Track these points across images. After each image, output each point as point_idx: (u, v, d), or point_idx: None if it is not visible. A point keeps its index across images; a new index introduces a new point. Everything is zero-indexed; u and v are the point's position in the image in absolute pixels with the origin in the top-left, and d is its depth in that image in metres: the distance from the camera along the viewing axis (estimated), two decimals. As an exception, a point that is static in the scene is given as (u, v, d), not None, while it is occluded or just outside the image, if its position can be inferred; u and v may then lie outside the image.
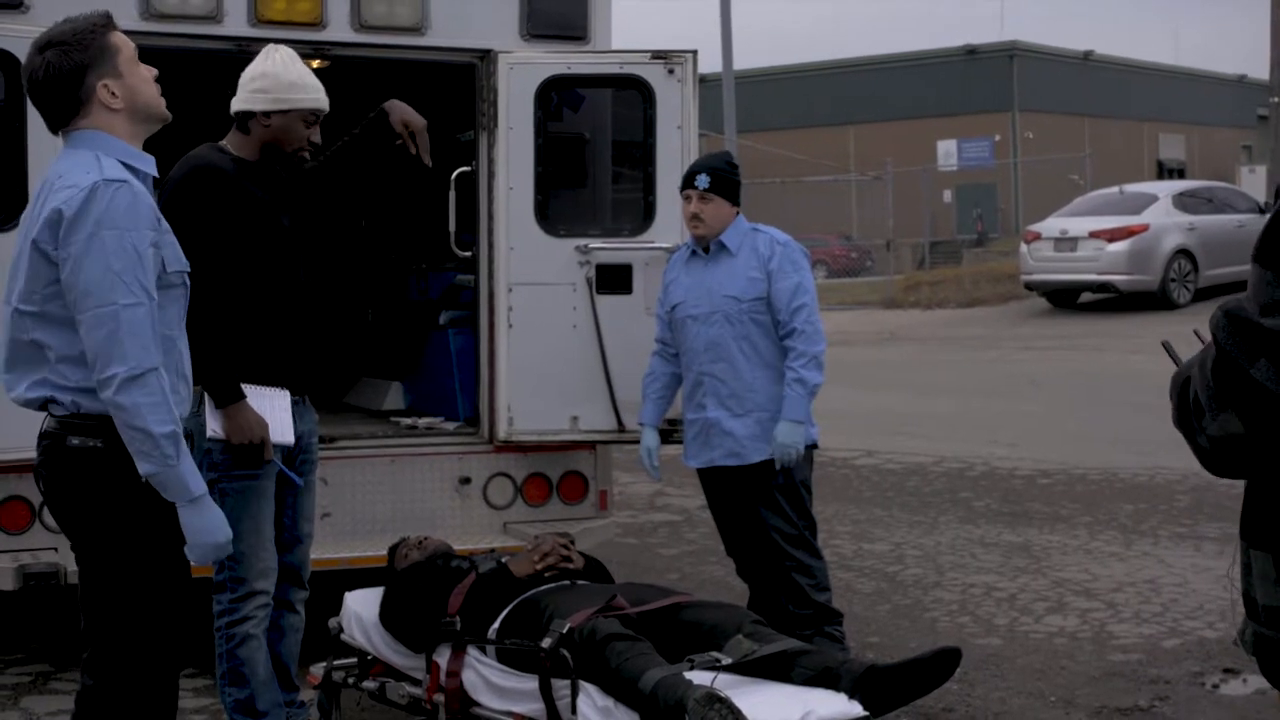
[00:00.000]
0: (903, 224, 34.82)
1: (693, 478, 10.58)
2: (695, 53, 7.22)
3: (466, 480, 7.25)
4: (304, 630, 5.68)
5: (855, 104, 51.12)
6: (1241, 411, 2.47)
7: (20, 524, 6.60)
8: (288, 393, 5.31)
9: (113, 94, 4.06)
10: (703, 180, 6.42)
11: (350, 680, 5.80)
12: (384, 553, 6.77)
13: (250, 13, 6.79)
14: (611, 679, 4.69)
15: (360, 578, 6.33)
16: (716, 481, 6.57)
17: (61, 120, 4.11)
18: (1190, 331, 3.29)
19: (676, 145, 7.16)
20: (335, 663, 5.85)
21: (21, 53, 6.27)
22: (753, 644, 4.84)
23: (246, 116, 5.39)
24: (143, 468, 3.90)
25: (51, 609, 7.60)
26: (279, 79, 5.36)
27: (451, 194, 7.29)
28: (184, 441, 3.97)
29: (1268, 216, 2.49)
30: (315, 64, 7.73)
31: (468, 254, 7.35)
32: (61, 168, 4.07)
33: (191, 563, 4.08)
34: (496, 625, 5.26)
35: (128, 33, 6.28)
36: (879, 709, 4.68)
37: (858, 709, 4.60)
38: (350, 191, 6.02)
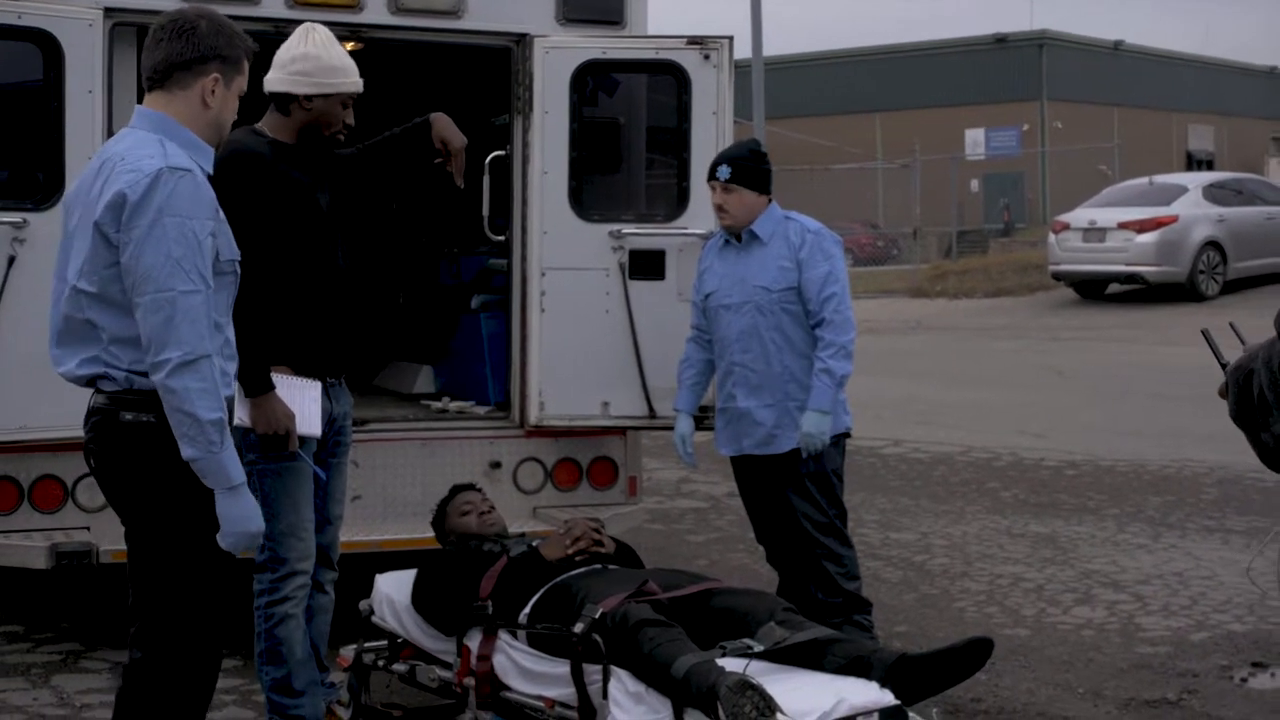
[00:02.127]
0: (929, 213, 34.79)
1: (720, 464, 10.59)
2: (731, 39, 7.21)
3: (497, 464, 7.27)
4: (333, 612, 5.71)
5: (883, 91, 50.94)
6: None
7: (53, 503, 6.64)
8: (319, 384, 5.32)
9: (213, 93, 4.22)
10: (724, 171, 6.40)
11: (380, 663, 5.81)
12: (414, 535, 6.83)
13: (289, -6, 6.81)
14: (643, 664, 4.70)
15: (390, 560, 6.35)
16: (748, 469, 6.56)
17: (162, 77, 4.21)
18: (1226, 324, 3.29)
19: (712, 132, 7.15)
20: (365, 645, 5.87)
21: (61, 33, 6.40)
22: (785, 631, 4.84)
23: (287, 99, 5.39)
24: (186, 452, 3.97)
25: (81, 588, 7.65)
26: (320, 62, 5.36)
27: (486, 178, 7.29)
28: (228, 430, 4.04)
29: None
30: (349, 46, 7.77)
31: (501, 238, 7.36)
32: (123, 148, 4.14)
33: (224, 549, 4.12)
34: (528, 609, 5.27)
35: (164, 13, 6.40)
36: (910, 698, 4.67)
37: (889, 697, 4.59)
38: (384, 179, 6.03)
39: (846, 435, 6.52)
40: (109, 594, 7.49)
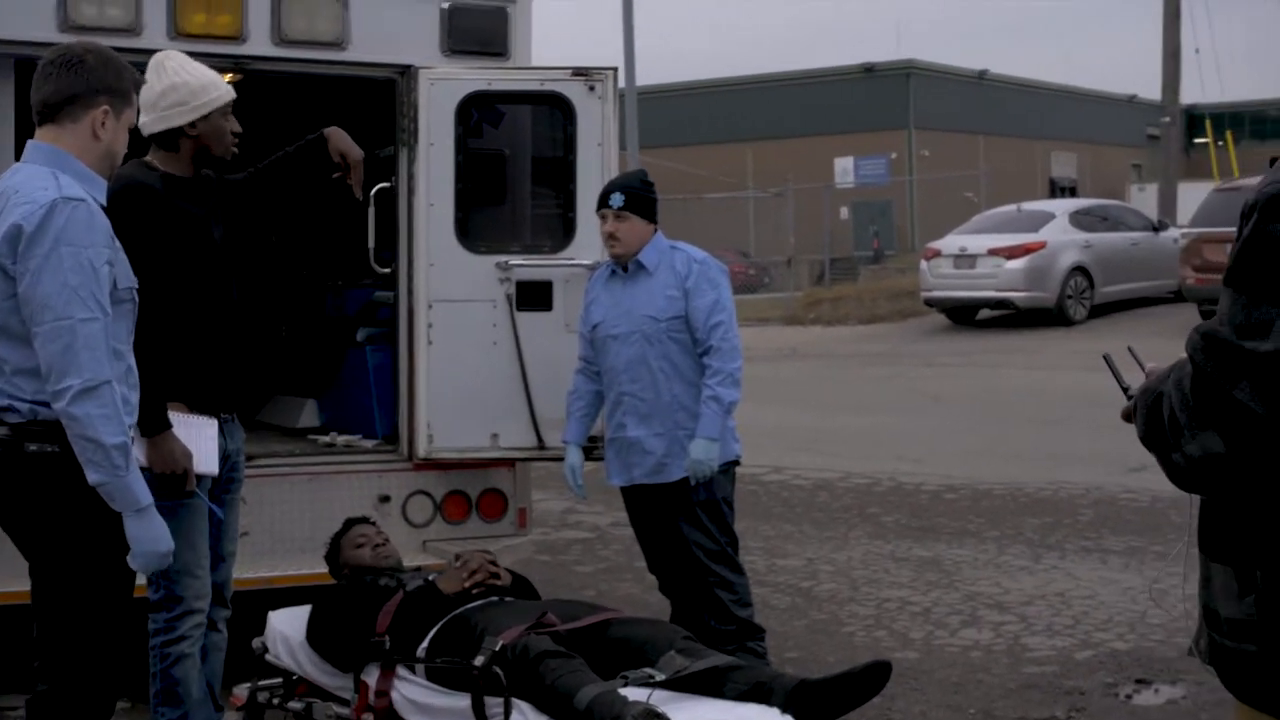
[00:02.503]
0: (800, 241, 35.08)
1: (604, 495, 10.63)
2: (615, 70, 7.27)
3: (386, 498, 7.22)
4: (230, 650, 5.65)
5: (753, 121, 51.38)
6: (1224, 432, 2.51)
7: None
8: (215, 421, 5.28)
9: (103, 125, 4.29)
10: (617, 199, 6.44)
11: (275, 701, 5.76)
12: (303, 571, 6.78)
13: (170, 26, 6.74)
14: (546, 696, 4.69)
15: (280, 597, 6.30)
16: (638, 499, 6.58)
17: (52, 111, 4.28)
18: (1125, 348, 3.36)
19: (597, 162, 7.18)
20: (259, 683, 5.81)
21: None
22: (685, 660, 4.85)
23: (172, 135, 5.33)
24: (92, 477, 4.03)
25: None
26: (189, 86, 5.31)
27: (371, 210, 7.25)
28: (133, 453, 4.11)
29: (1238, 241, 2.53)
30: (228, 77, 7.71)
31: (387, 270, 7.32)
32: (16, 182, 4.21)
33: (135, 570, 4.18)
34: (426, 643, 5.24)
35: (46, 45, 6.33)
36: (810, 723, 4.71)
37: (790, 723, 4.63)
38: (278, 200, 6.00)
39: (736, 463, 6.57)
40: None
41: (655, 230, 6.57)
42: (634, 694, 4.62)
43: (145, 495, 4.12)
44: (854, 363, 20.88)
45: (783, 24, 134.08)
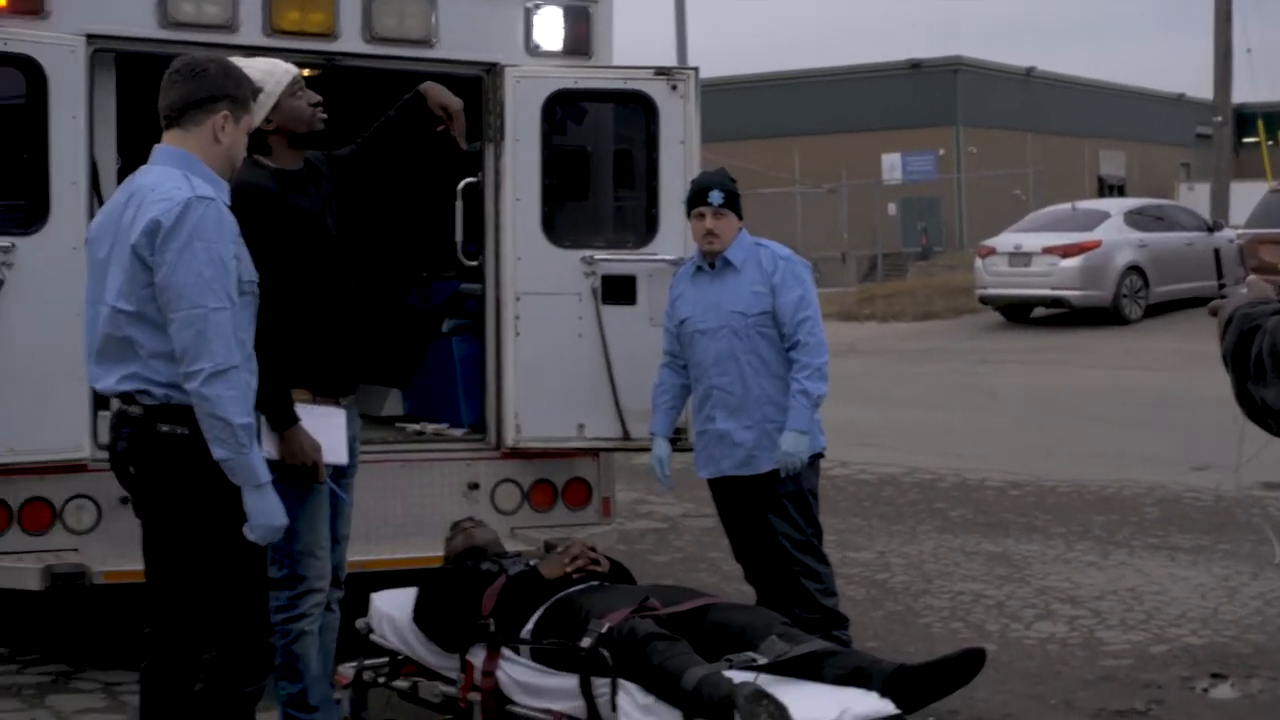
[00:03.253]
0: (838, 237, 35.18)
1: (676, 487, 10.80)
2: (697, 70, 7.39)
3: (475, 485, 7.38)
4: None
5: (800, 117, 51.39)
6: None
7: (42, 525, 6.71)
8: (343, 411, 5.47)
9: (223, 129, 4.60)
10: (716, 196, 6.57)
11: (381, 680, 5.91)
12: (397, 555, 6.97)
13: (265, 23, 6.92)
14: (653, 677, 4.83)
15: (375, 580, 6.46)
16: (726, 491, 6.71)
17: (176, 115, 4.58)
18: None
19: (679, 159, 7.32)
20: (365, 662, 5.97)
21: (45, 59, 6.46)
22: (785, 644, 4.99)
23: (256, 138, 5.44)
24: (217, 453, 4.33)
25: (64, 610, 7.67)
26: None
27: (458, 204, 7.42)
28: (255, 433, 4.41)
29: None
30: (307, 72, 7.87)
31: (474, 263, 7.48)
32: (151, 180, 4.51)
33: (251, 540, 4.46)
34: (530, 625, 5.40)
35: (146, 40, 6.50)
36: (908, 707, 4.84)
37: (890, 707, 4.76)
38: (387, 165, 6.11)
39: (821, 455, 6.71)
40: (98, 615, 7.57)
41: (741, 227, 6.70)
42: (738, 676, 4.76)
43: (265, 472, 4.44)
44: (911, 359, 20.94)
45: (830, 20, 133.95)
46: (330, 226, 5.53)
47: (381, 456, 7.33)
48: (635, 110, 7.43)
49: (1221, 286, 3.18)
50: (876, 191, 37.97)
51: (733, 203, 6.61)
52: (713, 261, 6.63)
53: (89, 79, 6.65)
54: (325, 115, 5.60)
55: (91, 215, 6.68)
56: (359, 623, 6.08)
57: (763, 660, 4.92)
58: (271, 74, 5.45)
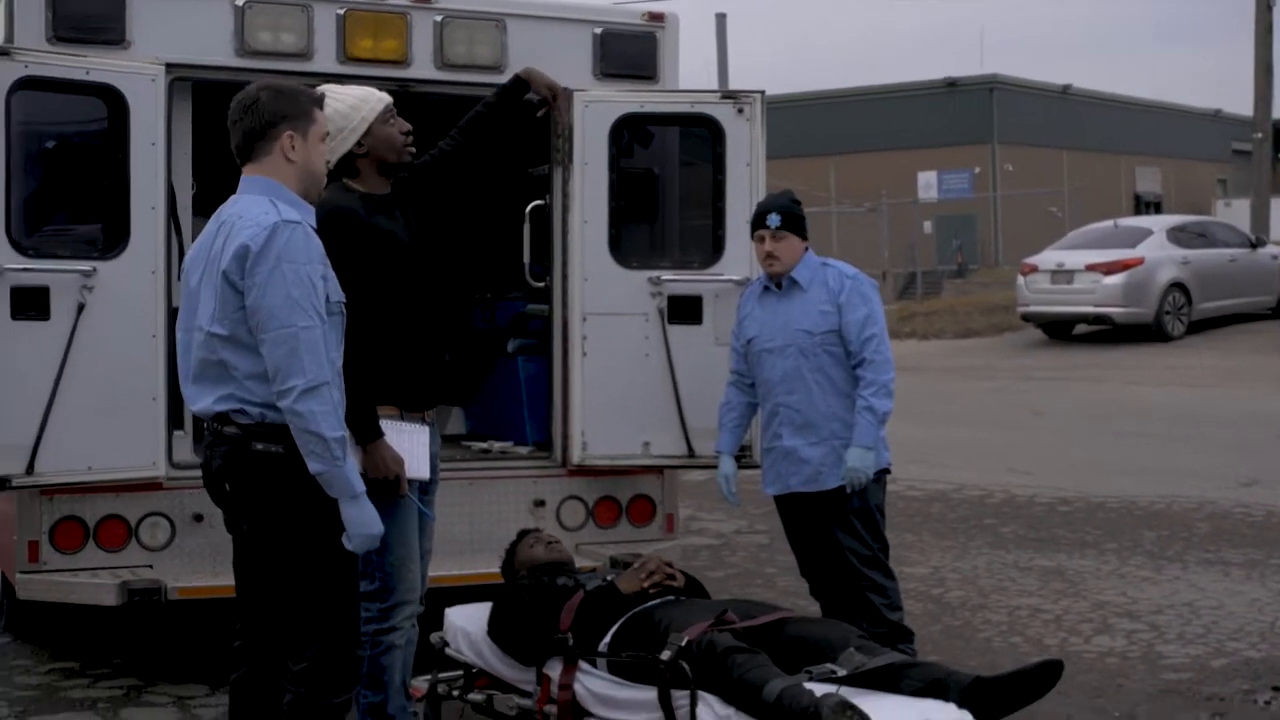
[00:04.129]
0: (879, 255, 35.21)
1: (724, 503, 10.91)
2: (763, 93, 7.50)
3: (541, 502, 7.50)
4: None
5: (836, 135, 51.49)
6: None
7: (118, 542, 6.86)
8: (426, 428, 5.61)
9: (293, 148, 4.70)
10: (774, 220, 6.69)
11: (455, 693, 6.04)
12: (465, 571, 7.09)
13: (339, 50, 7.08)
14: (734, 689, 4.95)
15: (444, 595, 6.59)
16: (793, 507, 6.82)
17: (247, 151, 4.72)
18: None
19: (745, 181, 7.44)
20: (440, 675, 6.09)
21: (127, 88, 6.63)
22: (863, 657, 5.10)
23: (346, 162, 5.61)
24: (313, 466, 4.46)
25: (131, 626, 7.82)
26: (340, 112, 5.54)
27: (526, 226, 7.56)
28: (349, 445, 4.54)
29: None
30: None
31: (541, 284, 7.62)
32: (239, 209, 4.65)
33: (350, 550, 4.60)
34: (608, 639, 5.51)
35: (223, 69, 6.66)
36: (986, 717, 4.94)
37: (968, 717, 4.86)
38: (482, 155, 6.28)
39: (887, 471, 6.81)
40: (171, 631, 7.73)
41: (806, 247, 6.81)
42: (818, 688, 4.86)
43: (359, 483, 4.58)
44: (953, 376, 21.01)
45: (866, 38, 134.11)
46: (417, 247, 5.67)
47: (449, 474, 7.37)
48: (702, 133, 7.56)
49: None
50: (915, 210, 37.99)
51: (794, 224, 6.73)
52: (779, 281, 6.75)
53: (167, 107, 6.81)
54: (414, 148, 5.76)
55: (169, 240, 6.88)
56: (434, 637, 6.21)
57: (842, 672, 5.02)
58: (366, 101, 5.61)
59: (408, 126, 5.74)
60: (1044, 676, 5.04)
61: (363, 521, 4.55)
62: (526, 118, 6.26)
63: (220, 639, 7.61)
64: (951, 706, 4.89)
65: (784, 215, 6.69)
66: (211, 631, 7.51)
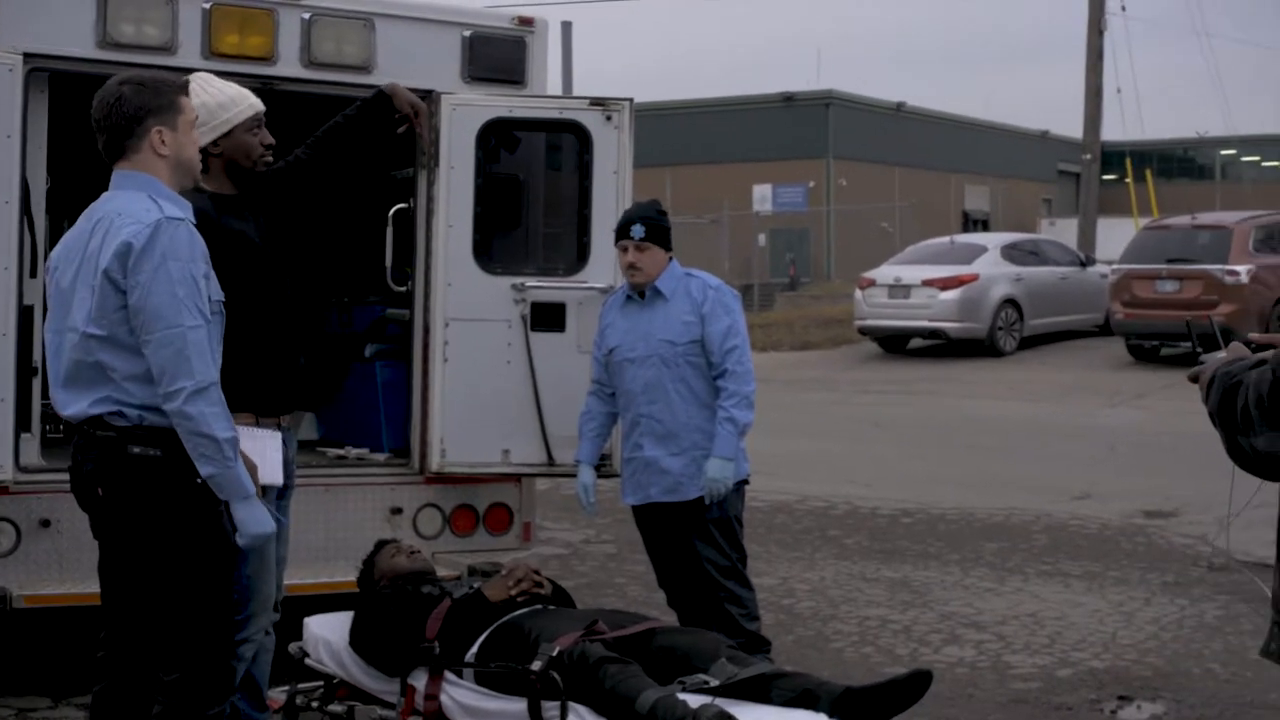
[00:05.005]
0: (716, 267, 35.49)
1: (571, 513, 10.88)
2: (631, 100, 7.51)
3: (398, 510, 7.42)
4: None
5: (674, 146, 51.78)
6: None
7: None
8: (279, 434, 5.50)
9: (163, 142, 4.58)
10: (638, 230, 6.70)
11: (314, 704, 5.94)
12: (320, 580, 6.99)
13: (204, 46, 6.94)
14: (606, 700, 4.93)
15: (301, 604, 6.49)
16: (652, 517, 6.83)
17: (116, 150, 4.59)
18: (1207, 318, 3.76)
19: (612, 189, 7.44)
20: (299, 686, 5.99)
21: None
22: (735, 667, 5.11)
23: (201, 154, 5.50)
24: (205, 469, 4.37)
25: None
26: (207, 106, 5.47)
27: (389, 230, 7.48)
28: (238, 445, 4.45)
29: None
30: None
31: (403, 289, 7.53)
32: (116, 206, 4.53)
33: (242, 547, 4.56)
34: (475, 649, 5.46)
35: (83, 60, 6.49)
36: (856, 729, 4.99)
37: (838, 728, 4.90)
38: (336, 166, 6.22)
39: (746, 482, 6.85)
40: (9, 641, 7.49)
41: (670, 258, 6.83)
42: (692, 699, 4.87)
43: (250, 484, 4.50)
44: (792, 389, 21.21)
45: (705, 52, 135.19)
46: (268, 247, 5.57)
47: (305, 480, 7.29)
48: (569, 139, 7.54)
49: (1198, 355, 3.42)
50: (755, 222, 38.39)
51: (658, 235, 6.74)
52: (642, 291, 6.76)
53: (24, 98, 6.61)
54: (271, 160, 5.68)
55: (20, 235, 6.67)
56: (293, 647, 6.10)
57: (714, 682, 5.03)
58: (237, 104, 5.53)
59: (271, 141, 5.69)
60: (912, 687, 5.10)
61: (255, 521, 4.48)
62: (386, 132, 6.18)
63: (63, 649, 7.43)
64: (823, 717, 4.92)
65: (648, 226, 6.70)
66: (54, 641, 7.32)
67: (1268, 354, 3.16)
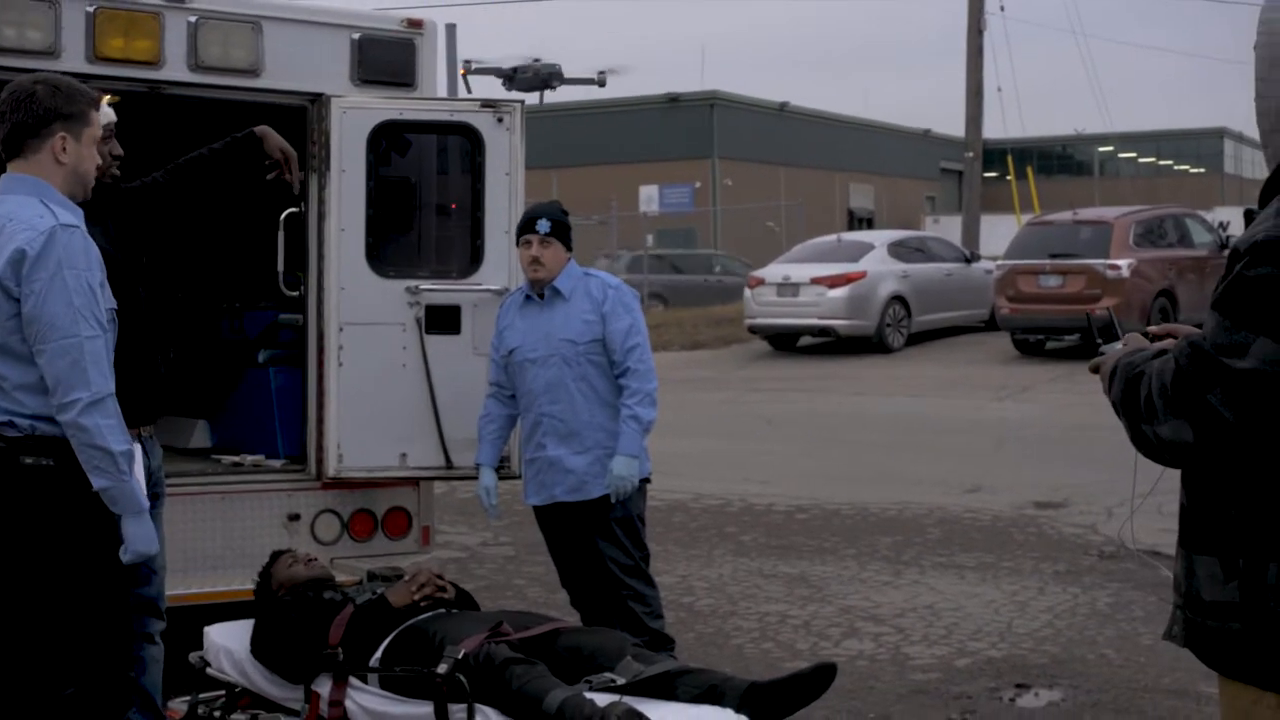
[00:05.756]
0: (617, 266, 35.52)
1: (467, 515, 10.85)
2: (523, 102, 7.51)
3: (295, 516, 7.35)
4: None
5: (559, 148, 51.75)
6: (1194, 426, 2.93)
7: None
8: (137, 444, 5.37)
9: (64, 149, 4.54)
10: (544, 225, 6.71)
11: (216, 714, 5.87)
12: (218, 588, 6.91)
13: (88, 50, 6.81)
14: (513, 701, 4.92)
15: (199, 613, 6.42)
16: (555, 517, 6.83)
17: (14, 147, 4.54)
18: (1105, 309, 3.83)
19: (505, 190, 7.42)
20: (200, 696, 5.92)
21: None
22: (640, 665, 5.13)
23: None
24: (98, 482, 4.30)
25: None
26: None
27: (281, 234, 7.41)
28: (134, 460, 4.38)
29: (1227, 276, 2.92)
30: (107, 99, 7.76)
31: (295, 293, 7.47)
32: (7, 210, 4.45)
33: (125, 562, 4.47)
34: (379, 654, 5.43)
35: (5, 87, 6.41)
36: (762, 723, 5.01)
37: (745, 723, 4.92)
38: (184, 206, 6.16)
39: (648, 480, 6.86)
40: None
41: (569, 257, 6.84)
42: (600, 698, 4.87)
43: (144, 499, 4.45)
44: (683, 388, 21.24)
45: (590, 53, 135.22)
46: (116, 254, 5.44)
47: (199, 489, 7.26)
48: (461, 141, 7.52)
49: (1098, 345, 3.49)
50: (643, 223, 38.48)
51: (561, 233, 6.76)
52: (541, 291, 6.76)
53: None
54: (118, 173, 5.66)
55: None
56: (193, 656, 6.03)
57: (621, 680, 5.04)
58: None
59: (119, 152, 5.69)
60: (817, 680, 5.14)
61: (143, 537, 4.43)
62: (250, 172, 6.14)
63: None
64: (729, 712, 4.95)
65: (553, 223, 6.71)
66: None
67: (1167, 342, 3.23)
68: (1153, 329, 3.40)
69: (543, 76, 6.57)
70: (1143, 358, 3.14)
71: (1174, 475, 3.17)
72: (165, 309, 9.34)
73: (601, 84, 7.12)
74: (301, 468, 7.49)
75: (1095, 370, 3.37)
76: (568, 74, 6.64)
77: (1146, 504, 3.69)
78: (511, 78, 6.58)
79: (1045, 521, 11.64)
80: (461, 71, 6.51)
